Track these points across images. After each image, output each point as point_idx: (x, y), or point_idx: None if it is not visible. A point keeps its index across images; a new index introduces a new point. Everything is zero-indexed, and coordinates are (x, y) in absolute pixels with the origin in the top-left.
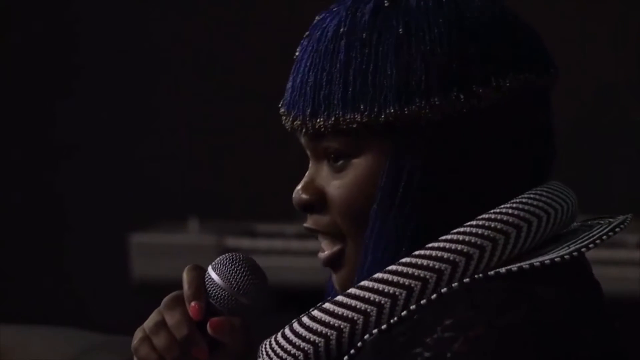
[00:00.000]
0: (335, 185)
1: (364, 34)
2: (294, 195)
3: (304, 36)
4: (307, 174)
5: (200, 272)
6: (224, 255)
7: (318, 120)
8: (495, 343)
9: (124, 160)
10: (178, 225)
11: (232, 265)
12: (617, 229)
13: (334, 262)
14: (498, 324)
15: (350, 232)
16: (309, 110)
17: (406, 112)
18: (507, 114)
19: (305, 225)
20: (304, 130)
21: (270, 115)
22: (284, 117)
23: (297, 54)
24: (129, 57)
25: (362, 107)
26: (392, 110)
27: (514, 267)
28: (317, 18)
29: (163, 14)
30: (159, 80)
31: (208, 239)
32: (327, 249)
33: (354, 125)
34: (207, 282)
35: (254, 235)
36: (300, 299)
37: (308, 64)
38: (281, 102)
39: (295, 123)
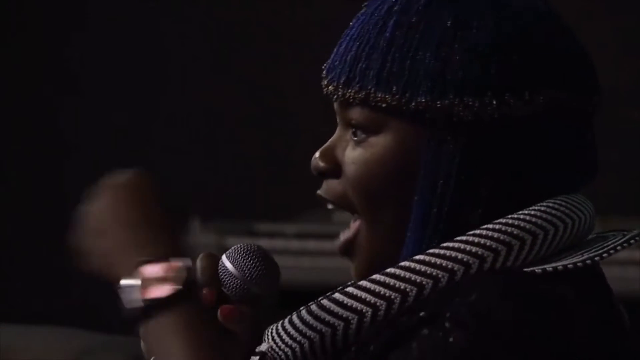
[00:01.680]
0: (350, 158)
1: (414, 18)
2: (312, 159)
3: (364, 4)
4: (331, 139)
5: (214, 260)
6: (238, 245)
7: (349, 90)
8: (486, 338)
9: (124, 160)
10: None
11: (246, 255)
12: (632, 241)
13: (348, 251)
14: (490, 319)
15: (360, 208)
16: (343, 79)
17: (438, 105)
18: (537, 127)
19: (318, 192)
20: (335, 97)
21: (272, 115)
22: (322, 80)
23: (353, 20)
24: (133, 57)
25: (394, 88)
26: (423, 100)
27: (526, 270)
28: None
29: (171, 12)
30: (161, 82)
31: (208, 239)
32: (342, 236)
33: (383, 105)
34: (220, 270)
35: (254, 235)
36: (300, 298)
37: (356, 33)
38: (325, 64)
39: (329, 87)
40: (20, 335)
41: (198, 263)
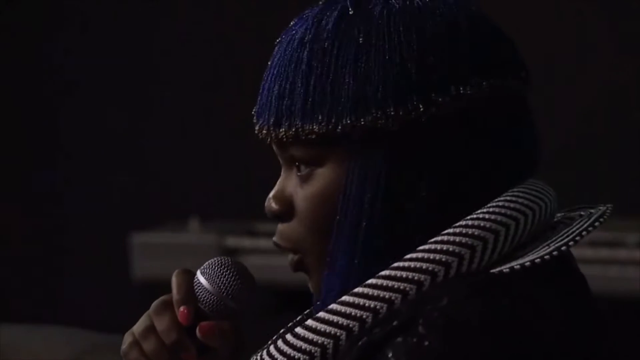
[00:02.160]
0: (300, 196)
1: (326, 43)
2: (266, 202)
3: (276, 42)
4: (279, 181)
5: (189, 276)
6: (212, 260)
7: (280, 130)
8: (460, 340)
9: (125, 160)
10: (179, 225)
11: (220, 270)
12: (596, 224)
13: (300, 269)
14: (463, 321)
15: (309, 244)
16: (272, 120)
17: (362, 122)
18: (469, 120)
19: (273, 239)
20: (269, 139)
21: None
22: (254, 124)
23: (270, 60)
24: (132, 56)
25: (319, 117)
26: (348, 121)
27: (494, 271)
28: (290, 24)
29: (169, 12)
30: (161, 81)
31: (209, 239)
32: (290, 259)
33: (313, 136)
34: (196, 287)
35: (254, 235)
36: (299, 298)
37: (275, 72)
38: (254, 109)
39: (262, 132)
40: (21, 334)
41: (173, 280)
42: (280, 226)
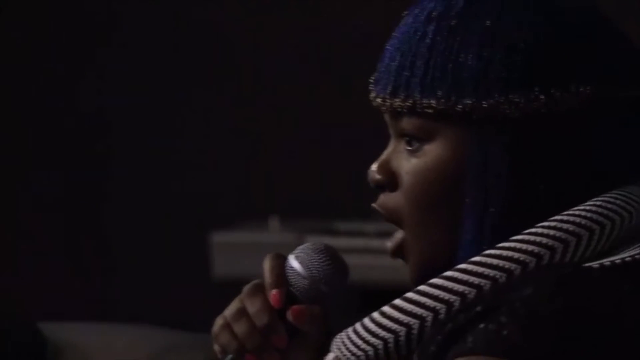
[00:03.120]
0: (406, 169)
1: (453, 21)
2: (369, 171)
3: (403, 14)
4: (385, 151)
5: (281, 261)
6: (305, 244)
7: (396, 100)
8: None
9: (205, 159)
10: (259, 224)
11: (313, 254)
12: None
13: (399, 253)
14: (544, 313)
15: (411, 221)
16: (389, 89)
17: (484, 105)
18: (585, 120)
19: (372, 205)
20: (384, 108)
21: (350, 114)
22: (370, 92)
23: (395, 30)
24: (206, 52)
25: (439, 93)
26: (469, 101)
27: (584, 266)
28: None
29: (240, 8)
30: (243, 78)
31: (289, 238)
32: (389, 244)
33: (430, 111)
34: (287, 271)
35: (334, 234)
36: (381, 297)
37: (398, 43)
38: (372, 76)
39: (377, 100)
40: (102, 333)
41: (265, 264)
42: (383, 195)
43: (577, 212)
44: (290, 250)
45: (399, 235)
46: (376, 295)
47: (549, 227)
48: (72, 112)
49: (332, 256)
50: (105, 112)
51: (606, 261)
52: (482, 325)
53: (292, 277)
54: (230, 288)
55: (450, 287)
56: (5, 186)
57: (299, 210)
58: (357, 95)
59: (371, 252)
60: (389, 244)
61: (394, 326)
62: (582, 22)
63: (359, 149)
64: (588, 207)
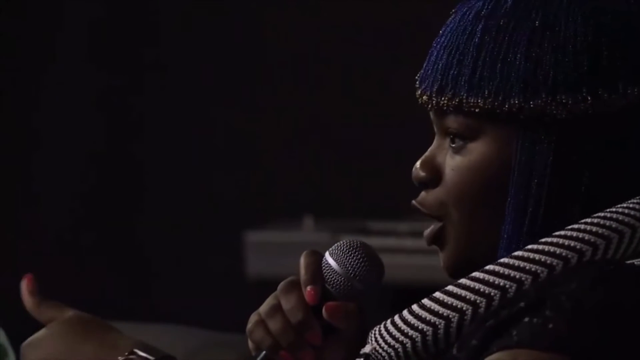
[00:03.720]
0: (450, 166)
1: (502, 21)
2: (413, 169)
3: (451, 12)
4: (430, 148)
5: (317, 258)
6: (341, 241)
7: (443, 98)
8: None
9: (239, 158)
10: (293, 223)
11: (349, 251)
12: None
13: (436, 241)
14: (589, 306)
15: (453, 215)
16: (436, 87)
17: (531, 105)
18: (631, 120)
19: (412, 201)
20: (429, 106)
21: (384, 116)
22: (416, 89)
23: (442, 28)
24: (237, 53)
25: (486, 92)
26: (516, 101)
27: (625, 263)
28: None
29: (267, 9)
30: (272, 78)
31: (322, 237)
32: (429, 231)
33: (476, 110)
34: (323, 267)
35: (367, 233)
36: (413, 296)
37: (445, 41)
38: (419, 74)
39: (423, 97)
40: (135, 332)
41: (302, 260)
42: (424, 193)
43: (619, 210)
44: (323, 249)
45: (437, 223)
46: (408, 294)
47: (591, 224)
48: (105, 111)
49: (368, 254)
50: (137, 113)
51: (637, 261)
52: (526, 320)
53: (328, 274)
54: (264, 287)
55: (491, 280)
56: (6, 186)
57: (333, 210)
58: (392, 96)
59: (403, 252)
60: (426, 231)
61: (433, 319)
62: (627, 23)
63: (393, 149)
64: (631, 206)
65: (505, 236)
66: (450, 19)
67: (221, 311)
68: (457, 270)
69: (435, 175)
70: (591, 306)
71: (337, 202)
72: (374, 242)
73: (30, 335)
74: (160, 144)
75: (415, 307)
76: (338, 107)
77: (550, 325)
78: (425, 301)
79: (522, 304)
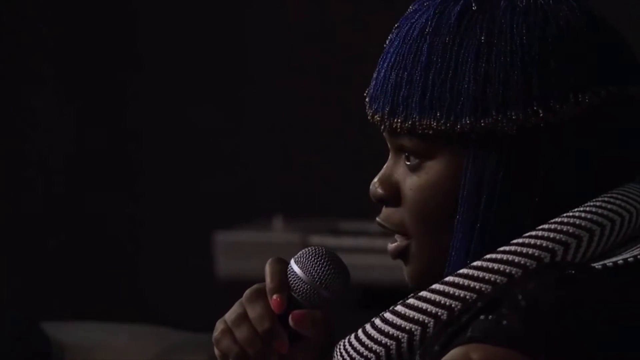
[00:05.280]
0: (408, 185)
1: (447, 38)
2: (371, 186)
3: (394, 27)
4: (385, 165)
5: (282, 265)
6: (306, 249)
7: (396, 120)
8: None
9: (208, 159)
10: (263, 224)
11: (314, 259)
12: None
13: (400, 256)
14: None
15: (416, 233)
16: (387, 109)
17: (482, 123)
18: (585, 127)
19: (377, 219)
20: (382, 127)
21: (353, 115)
22: (367, 108)
23: (386, 44)
24: (215, 53)
25: (438, 114)
26: (467, 121)
27: (585, 266)
28: (409, 9)
29: (255, 11)
30: (245, 81)
31: (293, 237)
32: (393, 243)
33: (429, 131)
34: (289, 275)
35: (338, 233)
36: (384, 296)
37: (392, 60)
38: (366, 92)
39: (375, 117)
40: (107, 332)
41: (267, 268)
42: (386, 210)
43: (576, 214)
44: (294, 249)
45: (399, 239)
46: (379, 294)
47: (549, 230)
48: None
49: (333, 261)
50: (107, 112)
51: (608, 262)
52: (482, 317)
53: (294, 282)
54: (234, 287)
55: (451, 292)
56: (6, 186)
57: (303, 210)
58: (359, 96)
59: (375, 252)
60: (390, 246)
61: (396, 332)
62: (573, 30)
63: (363, 149)
64: (588, 209)
65: (453, 253)
66: (394, 34)
67: (192, 311)
68: (421, 283)
69: (393, 194)
70: (547, 305)
71: (307, 202)
72: (345, 242)
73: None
74: (130, 145)
75: (377, 321)
76: (308, 107)
77: (505, 322)
78: (388, 315)
79: (479, 304)
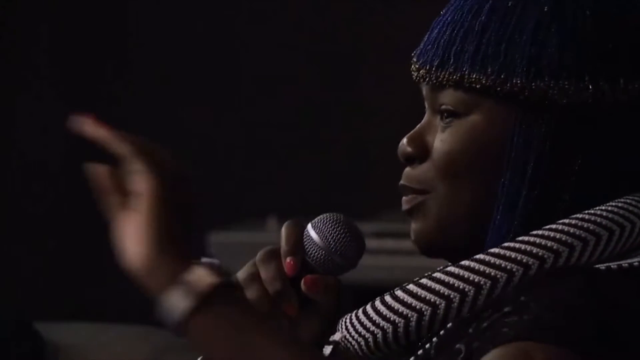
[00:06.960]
0: (440, 138)
1: (510, 3)
2: (399, 145)
3: None
4: (419, 125)
5: (299, 229)
6: (324, 215)
7: (443, 72)
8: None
9: (202, 159)
10: (257, 224)
11: (332, 225)
12: None
13: (415, 210)
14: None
15: (439, 187)
16: (437, 62)
17: (533, 86)
18: (628, 116)
19: (400, 182)
20: (426, 80)
21: (348, 115)
22: (412, 66)
23: (445, 7)
24: (209, 53)
25: (489, 70)
26: (519, 81)
27: (601, 266)
28: None
29: (246, 15)
30: (239, 81)
31: None
32: (408, 203)
33: (478, 86)
34: (305, 240)
35: None
36: (377, 297)
37: (449, 18)
38: (414, 52)
39: (420, 72)
40: (97, 333)
41: (283, 230)
42: (409, 169)
43: (598, 212)
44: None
45: (419, 196)
46: (373, 295)
47: (569, 225)
48: None
49: (350, 229)
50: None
51: (624, 263)
52: (515, 318)
53: (309, 246)
54: None
55: (465, 276)
56: (6, 186)
57: (297, 210)
58: (355, 96)
59: (369, 253)
60: (404, 198)
61: (405, 310)
62: (635, 21)
63: (359, 149)
64: (610, 208)
65: (498, 217)
66: None
67: None
68: (427, 244)
69: (422, 151)
70: (579, 304)
71: (301, 202)
72: None
73: None
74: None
75: (388, 298)
76: (301, 107)
77: (544, 318)
78: (399, 293)
79: (506, 309)
